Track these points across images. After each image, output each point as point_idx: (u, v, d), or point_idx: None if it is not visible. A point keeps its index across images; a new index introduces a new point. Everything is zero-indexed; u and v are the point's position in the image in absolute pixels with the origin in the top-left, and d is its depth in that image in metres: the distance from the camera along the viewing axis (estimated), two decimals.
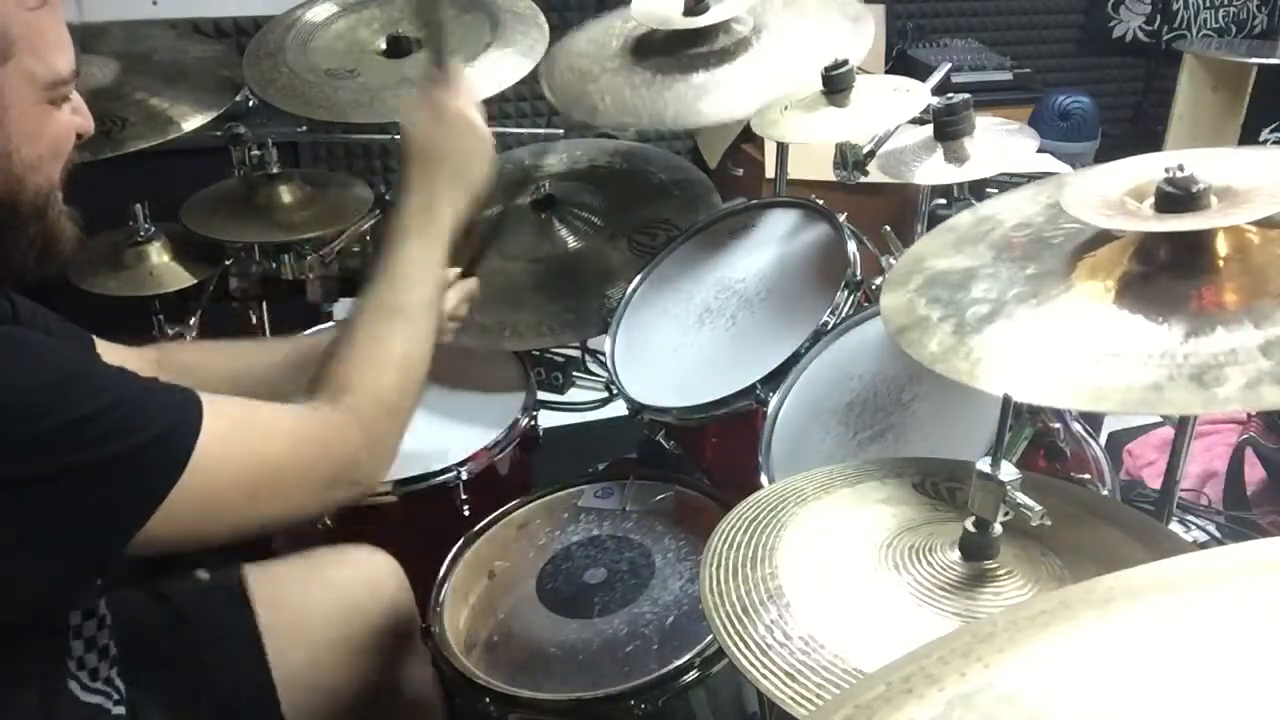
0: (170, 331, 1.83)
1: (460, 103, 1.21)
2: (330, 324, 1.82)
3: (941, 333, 0.88)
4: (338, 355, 1.03)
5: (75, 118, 0.90)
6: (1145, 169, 0.89)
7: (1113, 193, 0.88)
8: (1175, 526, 1.68)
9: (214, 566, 1.18)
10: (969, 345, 0.85)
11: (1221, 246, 0.84)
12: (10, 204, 0.84)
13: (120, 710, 0.98)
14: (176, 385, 0.86)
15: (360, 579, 1.22)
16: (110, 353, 1.09)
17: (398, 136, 2.08)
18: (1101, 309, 0.84)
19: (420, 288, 1.10)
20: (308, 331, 1.74)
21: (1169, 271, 0.84)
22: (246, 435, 0.90)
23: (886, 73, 2.96)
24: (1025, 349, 0.84)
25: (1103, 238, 0.91)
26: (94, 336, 1.09)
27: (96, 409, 0.78)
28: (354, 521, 1.33)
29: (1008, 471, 0.75)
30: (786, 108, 1.52)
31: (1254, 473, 2.01)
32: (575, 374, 2.44)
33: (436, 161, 1.16)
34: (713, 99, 1.61)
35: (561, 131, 2.05)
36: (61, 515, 0.77)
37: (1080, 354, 0.80)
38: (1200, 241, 0.84)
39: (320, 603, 1.18)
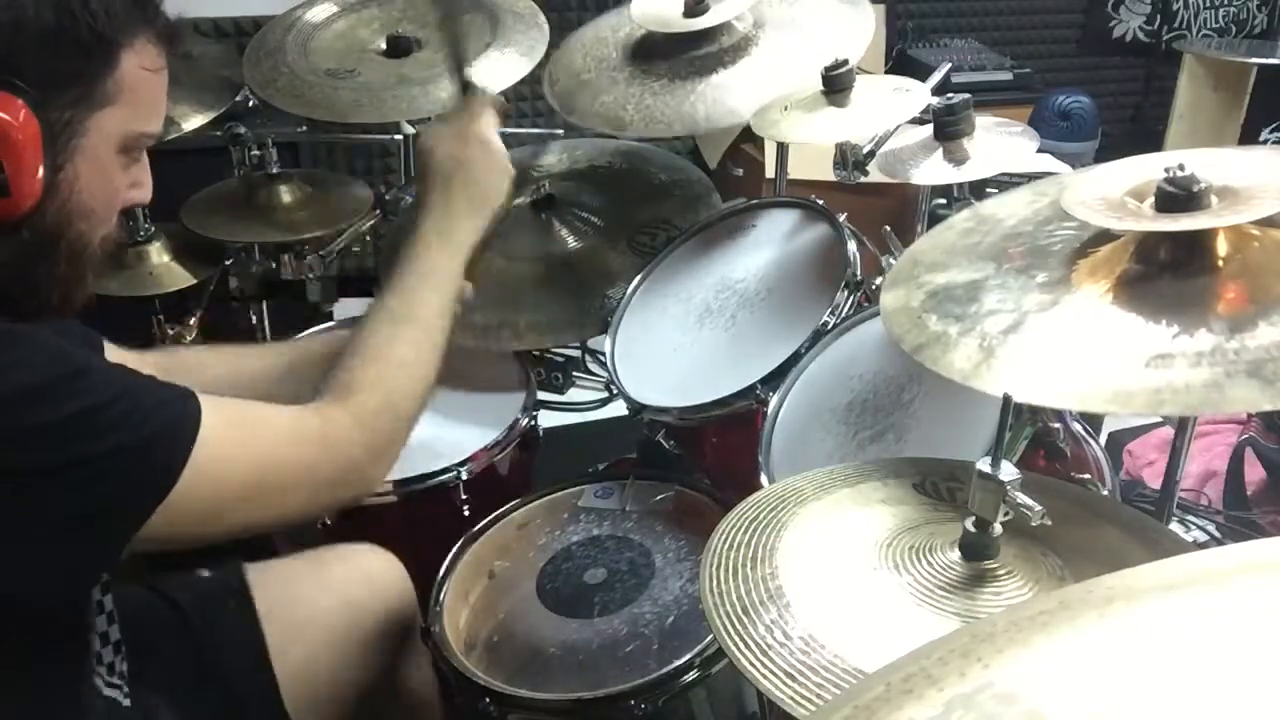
0: (170, 331, 1.83)
1: (481, 125, 1.21)
2: (329, 324, 1.81)
3: (966, 347, 0.86)
4: (344, 358, 1.02)
5: (133, 189, 0.91)
6: (1145, 169, 0.89)
7: (1113, 193, 0.88)
8: (1175, 526, 1.68)
9: (215, 565, 1.18)
10: (998, 357, 0.84)
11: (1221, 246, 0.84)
12: (54, 236, 0.84)
13: (128, 703, 0.98)
14: (176, 384, 0.86)
15: (362, 578, 1.22)
16: (116, 356, 1.09)
17: (398, 136, 2.10)
18: (1119, 311, 0.83)
19: (434, 298, 1.10)
20: (307, 331, 1.74)
21: (1171, 271, 0.84)
22: (247, 433, 0.90)
23: (886, 73, 2.97)
24: (1061, 356, 0.82)
25: (1100, 240, 0.91)
26: (104, 339, 1.10)
27: (98, 403, 0.78)
28: (354, 521, 1.33)
29: (1008, 471, 0.75)
30: (786, 108, 1.52)
31: (1254, 473, 2.01)
32: (575, 374, 2.43)
33: (456, 182, 1.18)
34: (714, 102, 1.61)
35: (561, 131, 2.05)
36: (63, 508, 0.77)
37: (1125, 358, 0.78)
38: (1200, 241, 0.83)
39: (322, 601, 1.18)
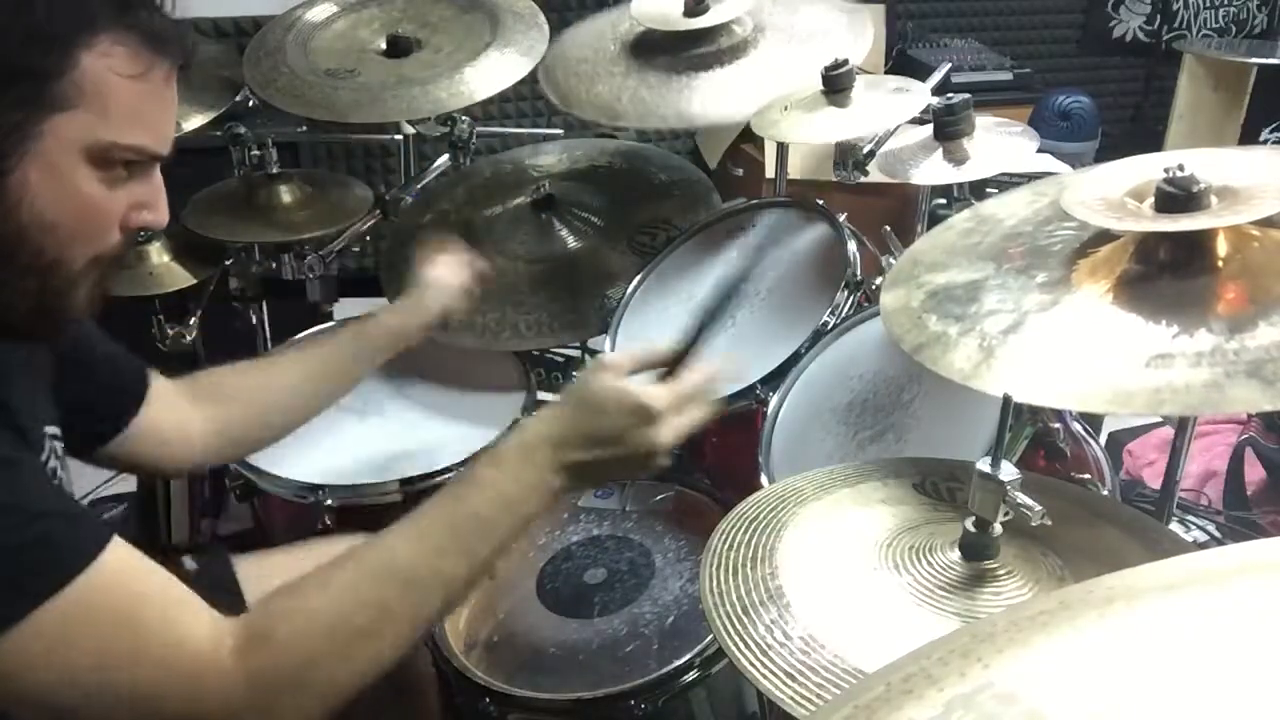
0: (170, 331, 1.83)
1: (673, 425, 0.94)
2: (329, 325, 1.81)
3: (966, 347, 0.86)
4: (300, 590, 0.82)
5: (138, 210, 0.84)
6: (1145, 169, 0.89)
7: (1113, 193, 0.88)
8: (1175, 526, 1.67)
9: (202, 556, 1.16)
10: (997, 357, 0.84)
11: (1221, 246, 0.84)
12: (8, 247, 0.77)
13: None
14: (80, 521, 0.76)
15: None
16: (160, 386, 1.10)
17: (398, 136, 2.10)
18: (1119, 311, 0.83)
19: (454, 558, 0.86)
20: (306, 332, 1.74)
21: (1171, 271, 0.84)
22: (96, 630, 0.73)
23: (886, 73, 2.96)
24: (1061, 356, 0.82)
25: (1100, 240, 0.91)
26: (152, 370, 1.10)
27: None
28: (354, 521, 1.33)
29: (1008, 471, 0.76)
30: (786, 108, 1.52)
31: (1254, 473, 2.01)
32: (575, 374, 2.43)
33: (601, 459, 0.92)
34: (712, 99, 1.61)
35: (561, 131, 2.05)
36: None
37: (1125, 359, 0.78)
38: (1200, 241, 0.83)
39: None
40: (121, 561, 0.75)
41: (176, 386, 1.15)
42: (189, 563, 1.15)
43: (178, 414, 1.14)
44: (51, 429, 0.90)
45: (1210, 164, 0.85)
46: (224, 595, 1.12)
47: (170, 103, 0.85)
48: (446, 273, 1.37)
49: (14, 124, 0.75)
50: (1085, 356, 0.80)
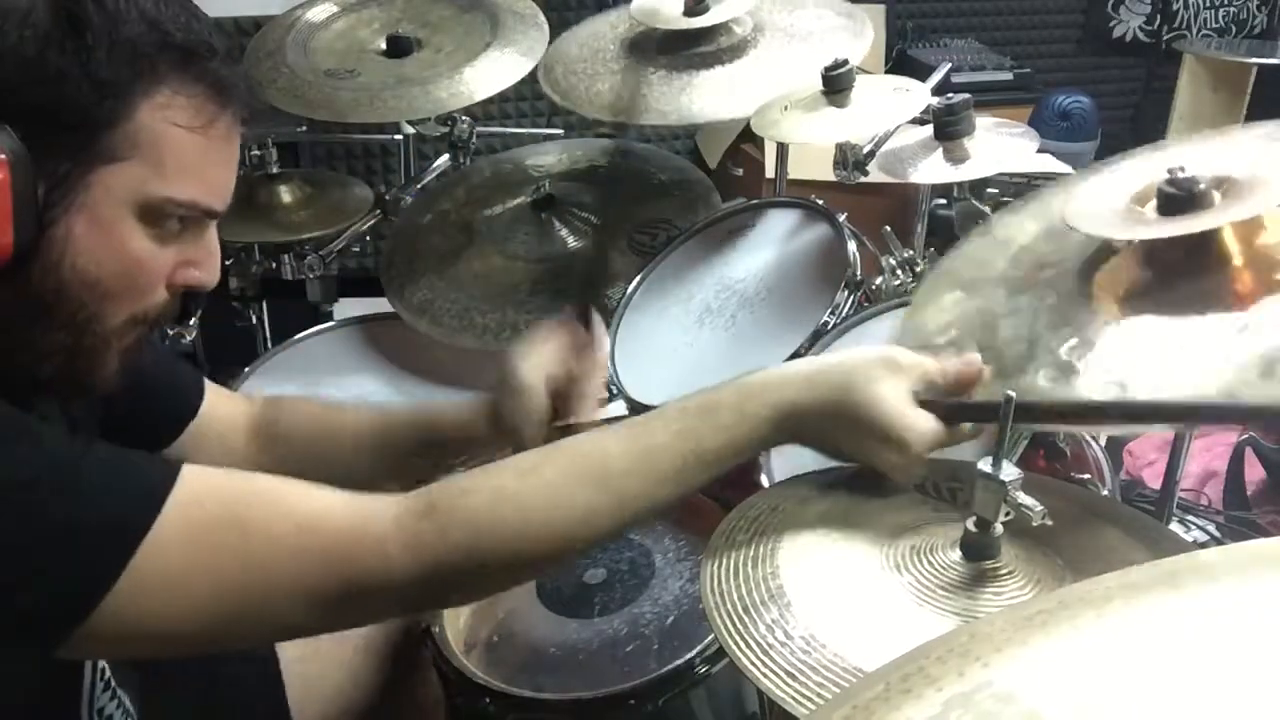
0: (170, 331, 1.83)
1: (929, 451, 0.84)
2: (329, 325, 1.81)
3: (1041, 374, 0.83)
4: (481, 474, 0.80)
5: (186, 268, 0.80)
6: (1145, 170, 0.89)
7: (1115, 201, 0.88)
8: (1175, 526, 1.68)
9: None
10: (1079, 373, 0.82)
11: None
12: (43, 303, 0.74)
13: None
14: (160, 460, 0.74)
15: None
16: (214, 397, 1.05)
17: (398, 136, 2.10)
18: (1144, 319, 0.82)
19: (671, 487, 0.82)
20: (306, 331, 1.74)
21: (1181, 271, 0.84)
22: (229, 525, 0.72)
23: (886, 73, 2.96)
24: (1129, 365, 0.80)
25: (1107, 251, 0.90)
26: (205, 380, 1.05)
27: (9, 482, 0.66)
28: None
29: (1009, 471, 0.75)
30: (786, 108, 1.52)
31: (1254, 473, 2.01)
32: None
33: (854, 431, 0.84)
34: (714, 98, 1.61)
35: (561, 131, 2.05)
36: None
37: (1151, 367, 0.77)
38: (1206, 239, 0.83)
39: None
40: (200, 480, 0.72)
41: (232, 403, 1.08)
42: None
43: (226, 443, 1.07)
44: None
45: (1206, 155, 0.85)
46: None
47: (232, 157, 0.81)
48: (540, 371, 1.09)
49: (62, 174, 0.71)
50: (1158, 369, 0.77)
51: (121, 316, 0.78)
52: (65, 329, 0.75)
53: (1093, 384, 0.80)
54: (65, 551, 0.66)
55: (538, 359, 1.08)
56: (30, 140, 0.69)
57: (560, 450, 0.83)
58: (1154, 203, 0.85)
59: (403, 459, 1.12)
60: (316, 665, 1.13)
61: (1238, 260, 0.82)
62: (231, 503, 0.73)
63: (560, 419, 1.07)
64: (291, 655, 1.12)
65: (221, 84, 0.77)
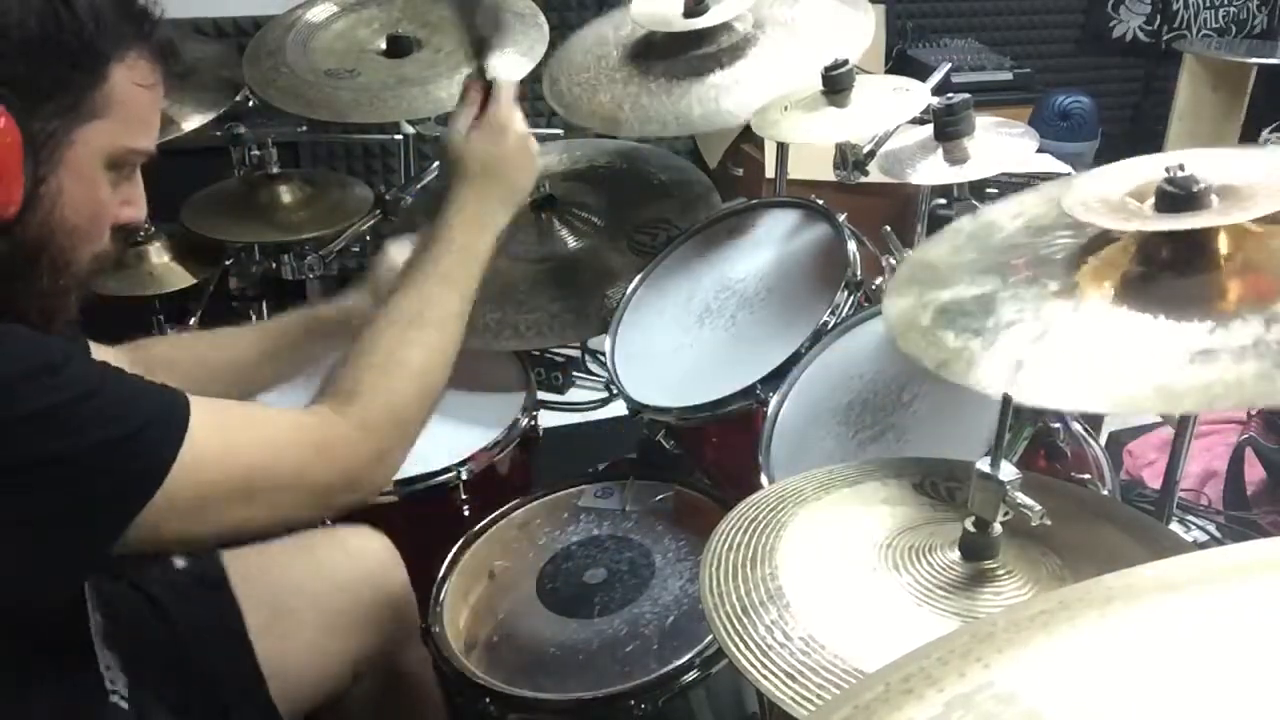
0: (170, 332, 1.84)
1: (518, 121, 1.16)
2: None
3: (995, 359, 0.83)
4: (351, 358, 0.99)
5: (125, 207, 0.89)
6: (1145, 169, 0.89)
7: (1113, 195, 0.88)
8: (1175, 526, 1.68)
9: (191, 555, 1.15)
10: (1034, 366, 0.81)
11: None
12: (34, 251, 0.82)
13: (125, 706, 0.97)
14: (163, 384, 0.85)
15: (351, 560, 1.20)
16: (96, 353, 1.07)
17: (398, 136, 2.10)
18: (1139, 313, 0.81)
19: (453, 300, 1.05)
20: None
21: (1173, 269, 0.84)
22: (238, 436, 0.87)
23: (886, 73, 2.96)
24: (1098, 361, 0.79)
25: (1098, 244, 0.90)
26: (89, 342, 1.08)
27: (69, 398, 0.76)
28: (354, 520, 1.33)
29: (1008, 471, 0.75)
30: (786, 108, 1.52)
31: (1254, 473, 2.00)
32: (575, 374, 2.43)
33: (494, 181, 1.12)
34: (715, 100, 1.61)
35: (561, 131, 2.05)
36: (38, 508, 0.75)
37: (1165, 358, 0.76)
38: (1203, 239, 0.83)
39: (309, 586, 1.16)
40: (205, 410, 0.84)
41: (117, 354, 1.13)
42: (178, 561, 1.15)
43: None
44: None
45: (1210, 163, 0.85)
46: (212, 590, 1.12)
47: (160, 106, 0.91)
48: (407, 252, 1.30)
49: (52, 133, 0.80)
50: (1125, 358, 0.77)
51: (88, 258, 0.87)
52: (48, 274, 0.84)
53: (997, 356, 0.84)
54: (138, 440, 0.79)
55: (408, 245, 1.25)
56: (26, 103, 0.78)
57: (370, 325, 1.02)
58: (1151, 200, 0.85)
59: (293, 352, 1.27)
60: (292, 636, 1.12)
61: (1222, 264, 0.82)
62: (228, 404, 0.91)
63: None
64: (263, 629, 1.11)
65: (165, 45, 0.88)
